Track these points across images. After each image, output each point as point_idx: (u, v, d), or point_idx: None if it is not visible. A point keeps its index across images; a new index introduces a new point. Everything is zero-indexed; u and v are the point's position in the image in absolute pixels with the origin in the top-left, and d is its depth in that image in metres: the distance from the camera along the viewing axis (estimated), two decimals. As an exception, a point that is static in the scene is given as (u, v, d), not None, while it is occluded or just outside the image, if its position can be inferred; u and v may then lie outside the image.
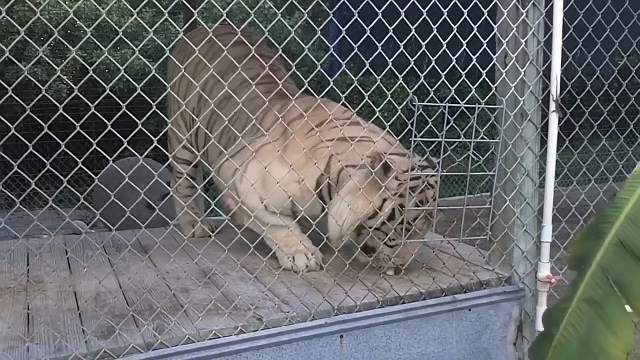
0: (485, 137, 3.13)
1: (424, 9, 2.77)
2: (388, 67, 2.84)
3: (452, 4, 2.84)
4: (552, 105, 3.05)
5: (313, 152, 3.24)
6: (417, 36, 2.80)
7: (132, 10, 2.46)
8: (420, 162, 3.22)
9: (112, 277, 3.30)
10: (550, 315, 2.21)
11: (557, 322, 2.14)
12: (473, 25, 2.87)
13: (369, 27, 2.69)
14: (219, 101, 3.31)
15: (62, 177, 2.36)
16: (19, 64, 2.56)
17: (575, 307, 2.09)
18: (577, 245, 2.20)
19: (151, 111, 2.46)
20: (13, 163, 2.25)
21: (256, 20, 2.70)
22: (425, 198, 3.16)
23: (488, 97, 3.11)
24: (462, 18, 2.85)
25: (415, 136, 3.09)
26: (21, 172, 2.32)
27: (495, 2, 3.09)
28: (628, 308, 2.09)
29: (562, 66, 3.07)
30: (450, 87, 2.96)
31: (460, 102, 2.98)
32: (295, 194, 3.27)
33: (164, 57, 2.50)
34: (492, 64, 3.15)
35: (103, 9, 2.33)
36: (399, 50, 2.79)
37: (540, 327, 3.16)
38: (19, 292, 3.15)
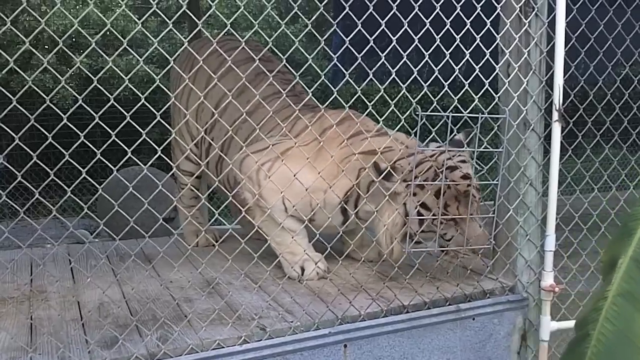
0: (488, 146, 3.13)
1: (427, 18, 2.78)
2: (391, 77, 2.85)
3: (455, 13, 2.85)
4: (555, 115, 3.05)
5: (345, 163, 3.25)
6: (419, 46, 2.81)
7: (137, 20, 2.48)
8: (436, 149, 3.20)
9: (116, 286, 3.31)
10: (585, 318, 2.19)
11: (593, 321, 2.12)
12: (476, 35, 2.88)
13: (373, 36, 2.70)
14: (238, 116, 3.33)
15: (66, 187, 2.37)
16: (23, 74, 2.55)
17: (610, 303, 2.08)
18: (608, 251, 2.18)
19: (155, 120, 2.46)
20: (17, 173, 2.26)
21: (260, 31, 2.72)
22: (452, 180, 3.13)
23: (491, 106, 3.12)
24: (465, 28, 2.86)
25: (419, 145, 3.10)
26: (25, 182, 2.32)
27: (498, 12, 3.10)
28: None
29: (564, 76, 3.07)
30: (453, 96, 2.96)
31: (463, 111, 2.99)
32: (319, 202, 3.26)
33: (169, 66, 2.52)
34: (495, 73, 3.16)
35: (109, 15, 2.34)
36: (402, 60, 2.80)
37: (544, 336, 3.16)
38: (22, 302, 3.16)
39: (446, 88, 2.96)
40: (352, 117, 3.26)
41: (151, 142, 2.51)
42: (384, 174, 3.08)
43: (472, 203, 3.13)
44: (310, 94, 2.98)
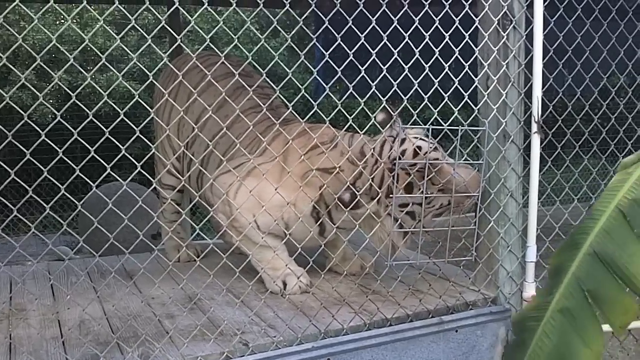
0: (468, 158, 3.15)
1: (406, 31, 2.80)
2: (372, 90, 2.86)
3: (434, 27, 2.87)
4: (534, 127, 3.08)
5: (306, 176, 3.24)
6: (399, 60, 2.82)
7: (116, 36, 2.47)
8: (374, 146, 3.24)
9: (97, 303, 3.27)
10: (523, 322, 2.23)
11: (530, 330, 2.16)
12: (455, 48, 2.91)
13: (352, 50, 2.71)
14: (217, 131, 3.33)
15: (44, 204, 2.34)
16: (0, 90, 2.52)
17: (549, 317, 2.12)
18: (555, 257, 2.23)
19: (135, 135, 2.45)
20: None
21: (240, 46, 2.72)
22: (407, 166, 3.16)
23: (471, 118, 3.14)
24: (444, 42, 2.88)
25: (400, 158, 3.11)
26: (2, 199, 2.29)
27: (477, 26, 3.13)
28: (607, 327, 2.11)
29: (543, 88, 3.11)
30: (433, 109, 2.98)
31: (444, 124, 3.00)
32: (291, 215, 3.27)
33: (148, 81, 2.51)
34: (474, 86, 3.18)
35: (88, 31, 2.33)
36: (382, 74, 2.81)
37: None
38: (0, 321, 3.11)
39: (426, 101, 2.97)
40: (312, 129, 3.27)
41: (131, 157, 2.48)
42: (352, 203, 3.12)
43: (440, 168, 3.11)
44: (290, 108, 2.98)
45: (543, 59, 3.09)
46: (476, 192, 3.17)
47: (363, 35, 2.71)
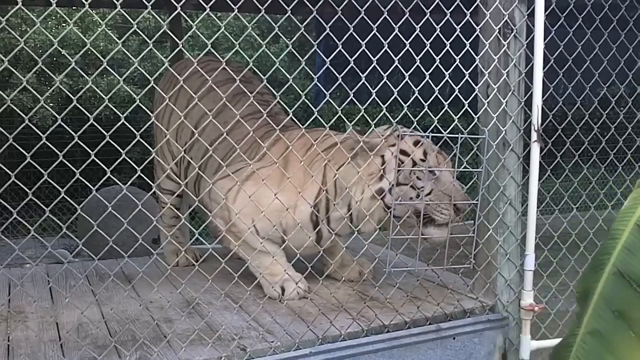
0: (468, 166, 3.16)
1: (407, 39, 2.81)
2: (372, 97, 2.87)
3: (434, 35, 2.88)
4: (534, 135, 3.09)
5: (307, 174, 3.26)
6: (400, 67, 2.83)
7: (117, 40, 2.48)
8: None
9: (95, 307, 3.27)
10: (557, 353, 2.22)
11: (564, 358, 2.15)
12: (455, 56, 2.92)
13: (353, 57, 2.72)
14: (216, 136, 3.34)
15: (44, 207, 2.35)
16: (2, 93, 2.53)
17: (580, 341, 2.11)
18: (581, 281, 2.22)
19: (136, 140, 2.45)
20: (-6, 192, 2.24)
21: (241, 51, 2.73)
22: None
23: (471, 126, 3.15)
24: (445, 49, 2.89)
25: (399, 165, 3.12)
26: (2, 202, 2.30)
27: (477, 34, 3.14)
28: None
29: (543, 96, 3.11)
30: (433, 116, 2.98)
31: (444, 131, 3.01)
32: (289, 221, 3.27)
33: (149, 86, 2.52)
34: (474, 94, 3.19)
35: (90, 35, 2.34)
36: (383, 81, 2.82)
37: (524, 355, 3.17)
38: (-1, 323, 3.12)
39: (426, 109, 2.98)
40: (311, 134, 3.29)
41: (131, 161, 2.49)
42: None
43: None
44: (291, 114, 2.99)
45: (543, 68, 3.10)
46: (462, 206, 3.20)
47: (364, 42, 2.72)
